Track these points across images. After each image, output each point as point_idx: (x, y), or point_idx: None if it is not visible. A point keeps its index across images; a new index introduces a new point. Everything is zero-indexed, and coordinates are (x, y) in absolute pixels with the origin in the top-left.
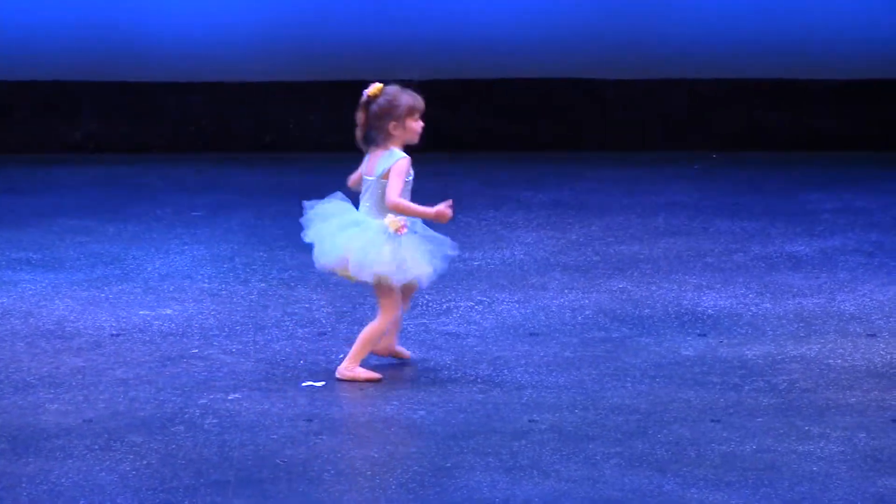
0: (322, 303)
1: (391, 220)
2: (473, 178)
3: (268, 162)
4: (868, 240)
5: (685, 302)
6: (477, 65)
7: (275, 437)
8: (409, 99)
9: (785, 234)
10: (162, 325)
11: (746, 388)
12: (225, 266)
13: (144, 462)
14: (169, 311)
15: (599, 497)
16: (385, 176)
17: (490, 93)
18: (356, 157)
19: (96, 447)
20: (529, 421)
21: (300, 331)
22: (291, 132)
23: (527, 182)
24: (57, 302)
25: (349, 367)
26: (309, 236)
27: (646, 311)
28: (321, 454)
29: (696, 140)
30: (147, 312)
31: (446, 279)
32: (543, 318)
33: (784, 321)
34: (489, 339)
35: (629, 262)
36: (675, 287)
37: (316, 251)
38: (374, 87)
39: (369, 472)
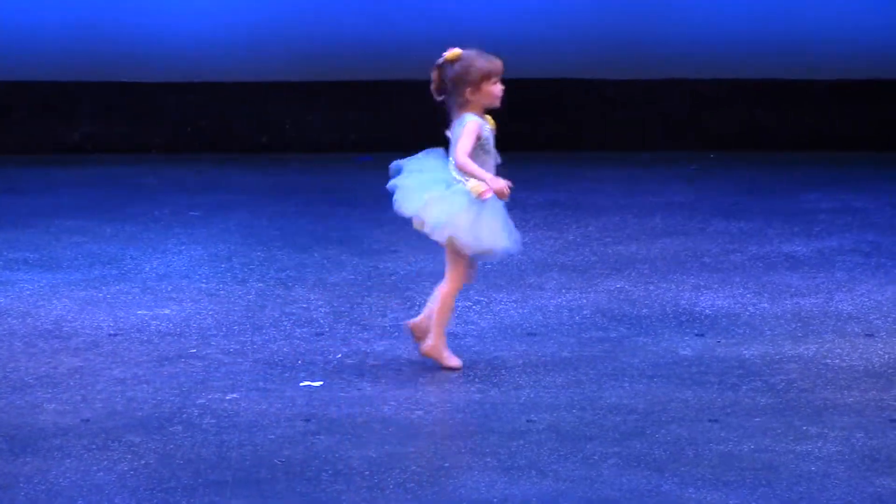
0: (320, 303)
1: (474, 184)
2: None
3: (266, 162)
4: (866, 240)
5: (683, 302)
6: None
7: (272, 437)
8: (485, 62)
9: (783, 234)
10: (160, 325)
11: (744, 388)
12: (223, 266)
13: (142, 462)
14: (167, 311)
15: (597, 497)
16: (457, 139)
17: None
18: (353, 157)
19: (94, 447)
20: (527, 421)
21: (298, 331)
22: (289, 132)
23: (525, 182)
24: (54, 302)
25: (436, 347)
26: (396, 181)
27: (643, 311)
28: (319, 454)
29: (695, 140)
30: (145, 312)
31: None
32: (541, 318)
33: (782, 321)
34: (487, 340)
35: (627, 262)
36: (673, 287)
37: (398, 196)
38: (452, 52)
39: (367, 472)
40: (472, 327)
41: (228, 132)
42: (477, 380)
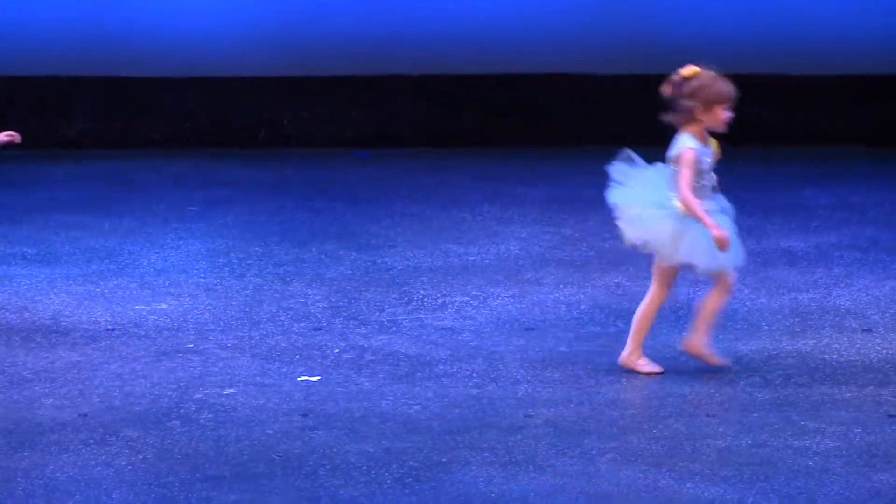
0: (317, 298)
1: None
2: (468, 173)
3: (264, 158)
4: (863, 235)
5: (680, 297)
6: (472, 60)
7: (270, 431)
8: (723, 86)
9: (780, 229)
10: (157, 320)
11: (742, 383)
12: (220, 261)
13: (140, 457)
14: (164, 306)
15: (595, 492)
16: (675, 161)
17: (485, 88)
18: (350, 152)
19: (92, 442)
20: (525, 416)
21: (295, 326)
22: (287, 128)
23: (522, 177)
24: (52, 297)
25: (630, 356)
26: (616, 194)
27: None
28: (317, 449)
29: None
30: (142, 307)
31: (441, 274)
32: (539, 313)
33: (779, 316)
34: (484, 334)
35: (624, 257)
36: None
37: (617, 213)
38: (690, 69)
39: (365, 467)
40: (470, 322)
41: (226, 128)
42: (475, 375)
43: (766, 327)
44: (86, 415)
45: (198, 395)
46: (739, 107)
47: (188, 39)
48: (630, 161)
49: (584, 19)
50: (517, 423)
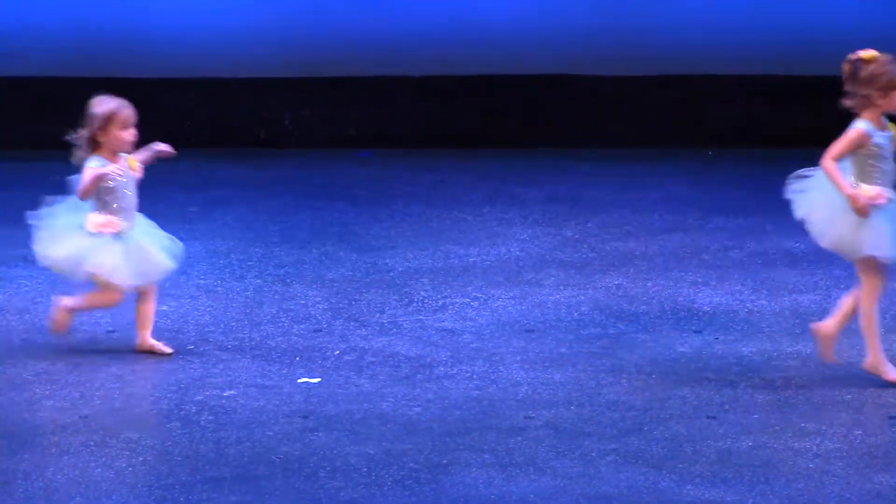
0: (318, 299)
1: (863, 188)
2: (469, 174)
3: (265, 158)
4: None
5: (681, 298)
6: (472, 61)
7: (270, 433)
8: None
9: (781, 230)
10: (158, 322)
11: (742, 384)
12: (221, 262)
13: (140, 458)
14: (165, 308)
15: (595, 494)
16: None
17: (486, 88)
18: (351, 152)
19: (92, 443)
20: (525, 417)
21: (296, 327)
22: (287, 128)
23: (522, 178)
24: (53, 299)
25: (874, 362)
26: (801, 210)
27: (642, 307)
28: (317, 451)
29: (692, 136)
30: None
31: (442, 275)
32: (539, 314)
33: (780, 318)
34: (485, 336)
35: (625, 258)
36: (671, 283)
37: (812, 230)
38: (868, 53)
39: (365, 469)
40: (471, 323)
41: (227, 128)
42: (475, 376)
43: (766, 329)
44: (86, 416)
45: (198, 397)
46: (740, 107)
47: (188, 40)
48: (803, 175)
49: (584, 20)
50: (517, 425)
